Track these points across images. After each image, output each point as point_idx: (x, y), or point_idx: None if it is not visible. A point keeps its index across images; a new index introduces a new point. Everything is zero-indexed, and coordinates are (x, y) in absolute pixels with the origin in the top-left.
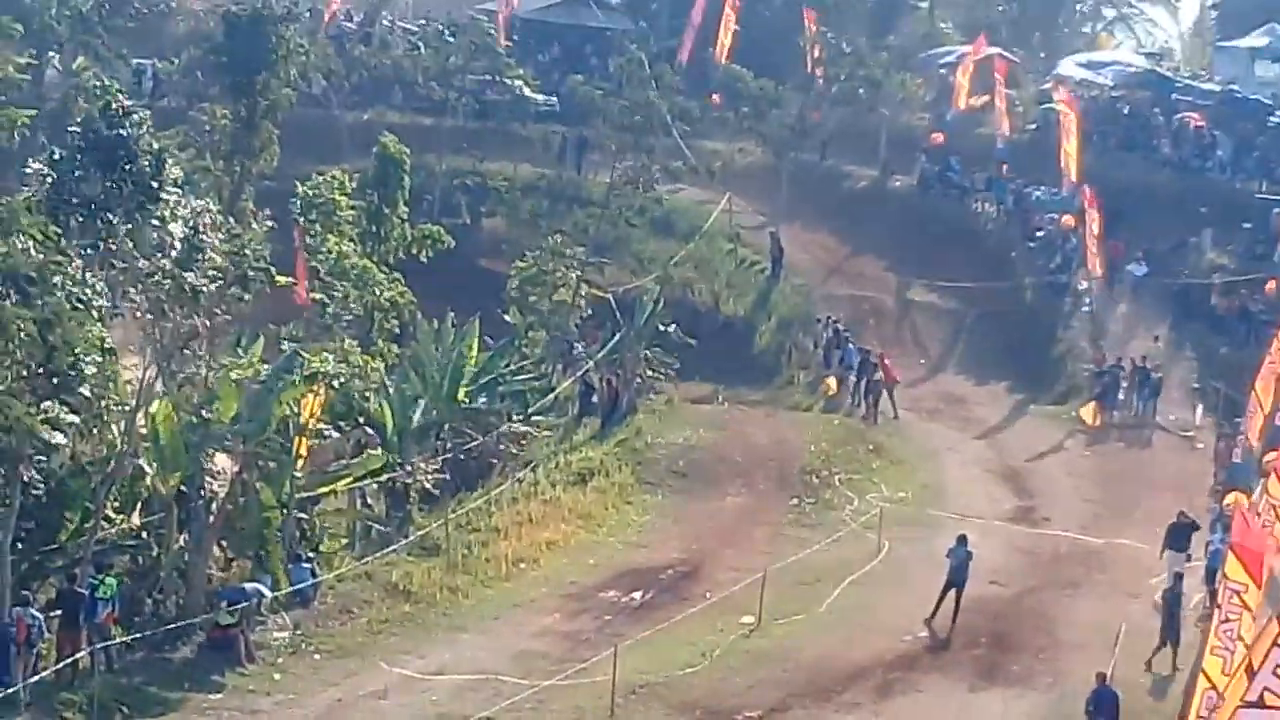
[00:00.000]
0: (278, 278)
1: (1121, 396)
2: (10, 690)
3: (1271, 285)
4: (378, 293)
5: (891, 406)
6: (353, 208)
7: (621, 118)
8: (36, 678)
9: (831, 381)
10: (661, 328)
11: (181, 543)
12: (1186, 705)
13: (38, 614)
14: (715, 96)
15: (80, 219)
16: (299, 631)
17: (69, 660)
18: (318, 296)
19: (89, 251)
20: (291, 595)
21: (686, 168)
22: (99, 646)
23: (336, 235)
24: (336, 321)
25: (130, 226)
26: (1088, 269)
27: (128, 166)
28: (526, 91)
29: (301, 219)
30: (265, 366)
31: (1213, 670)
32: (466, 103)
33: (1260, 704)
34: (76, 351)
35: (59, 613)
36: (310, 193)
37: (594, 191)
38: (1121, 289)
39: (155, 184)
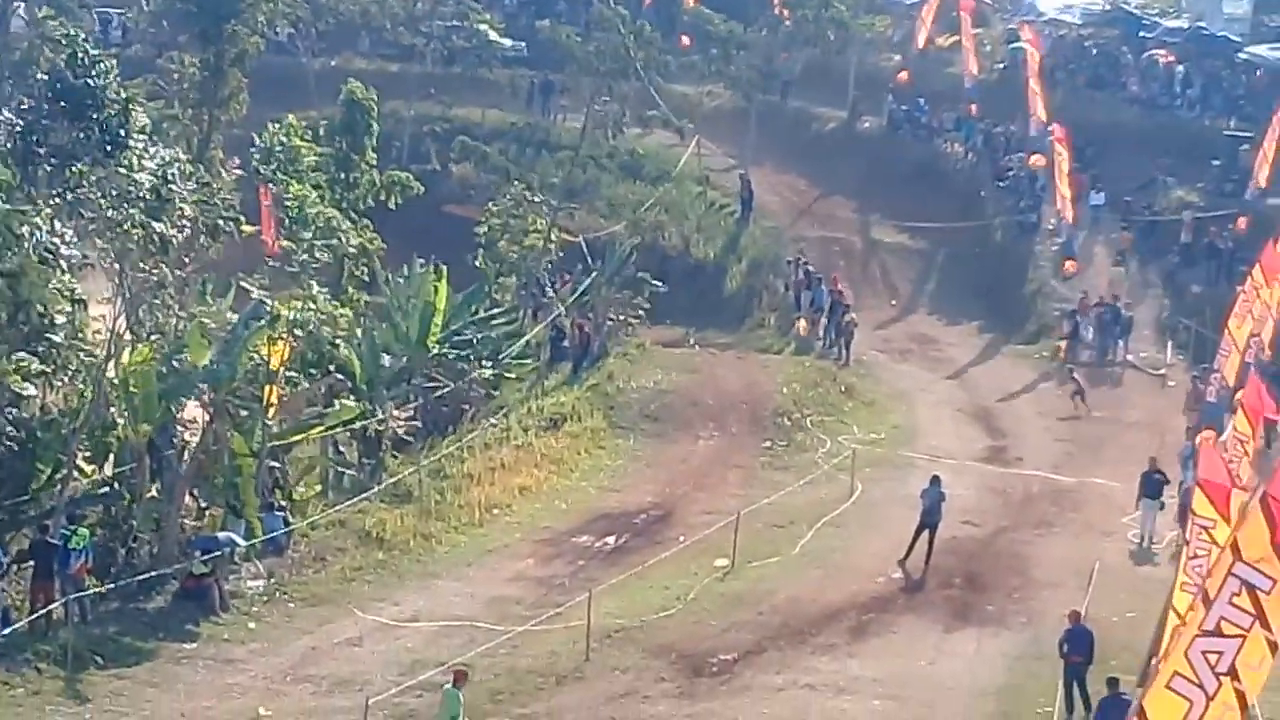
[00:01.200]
0: (246, 226)
1: (1091, 335)
2: None
3: (1241, 222)
4: (344, 239)
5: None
6: (320, 154)
7: (596, 62)
8: (10, 629)
9: (802, 323)
10: (632, 272)
11: (154, 492)
12: (1157, 640)
13: None
14: (684, 39)
15: (48, 168)
16: (273, 580)
17: (43, 611)
18: (285, 244)
19: (57, 201)
20: (265, 544)
21: (660, 117)
22: (73, 597)
23: (299, 182)
24: (304, 269)
25: (98, 176)
26: (1056, 207)
27: (95, 115)
28: (494, 36)
29: (262, 167)
30: (234, 315)
31: (1182, 605)
32: (434, 48)
33: (1217, 632)
34: (45, 302)
35: (31, 564)
36: (269, 140)
37: (563, 136)
38: (1087, 223)
39: (122, 132)
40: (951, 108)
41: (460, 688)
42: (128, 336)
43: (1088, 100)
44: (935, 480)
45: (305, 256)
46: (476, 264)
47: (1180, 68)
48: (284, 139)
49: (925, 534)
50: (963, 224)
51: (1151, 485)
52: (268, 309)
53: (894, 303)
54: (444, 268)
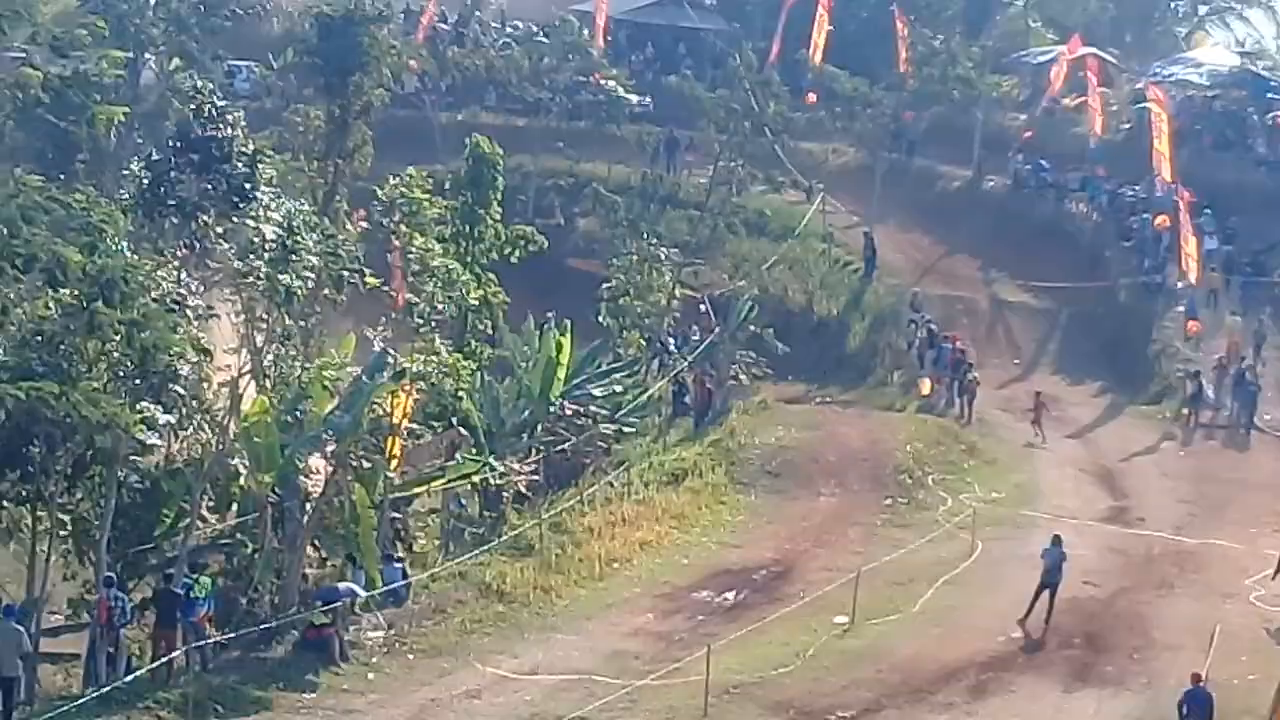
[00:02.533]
0: (370, 279)
1: (1212, 395)
2: (106, 689)
3: None
4: (465, 292)
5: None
6: (445, 208)
7: (728, 120)
8: (131, 677)
9: (926, 382)
10: (755, 330)
11: (276, 542)
12: (1277, 704)
13: (121, 594)
14: (810, 96)
15: (175, 220)
16: (393, 631)
17: (165, 660)
18: (408, 297)
19: (184, 252)
20: (385, 595)
21: (790, 180)
22: (194, 646)
23: (421, 234)
24: (426, 321)
25: (225, 227)
26: (1181, 269)
27: (222, 167)
28: (620, 91)
29: (384, 220)
30: (356, 367)
31: None
32: (560, 103)
33: None
34: (171, 351)
35: (154, 612)
36: (389, 193)
37: (689, 192)
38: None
39: (249, 184)
40: (1077, 167)
41: None
42: (252, 387)
43: (1214, 161)
44: (1056, 540)
45: (427, 309)
46: (600, 319)
47: None
48: (404, 191)
49: (1046, 593)
50: (1087, 284)
51: None
52: (390, 361)
53: (1017, 362)
54: (567, 322)
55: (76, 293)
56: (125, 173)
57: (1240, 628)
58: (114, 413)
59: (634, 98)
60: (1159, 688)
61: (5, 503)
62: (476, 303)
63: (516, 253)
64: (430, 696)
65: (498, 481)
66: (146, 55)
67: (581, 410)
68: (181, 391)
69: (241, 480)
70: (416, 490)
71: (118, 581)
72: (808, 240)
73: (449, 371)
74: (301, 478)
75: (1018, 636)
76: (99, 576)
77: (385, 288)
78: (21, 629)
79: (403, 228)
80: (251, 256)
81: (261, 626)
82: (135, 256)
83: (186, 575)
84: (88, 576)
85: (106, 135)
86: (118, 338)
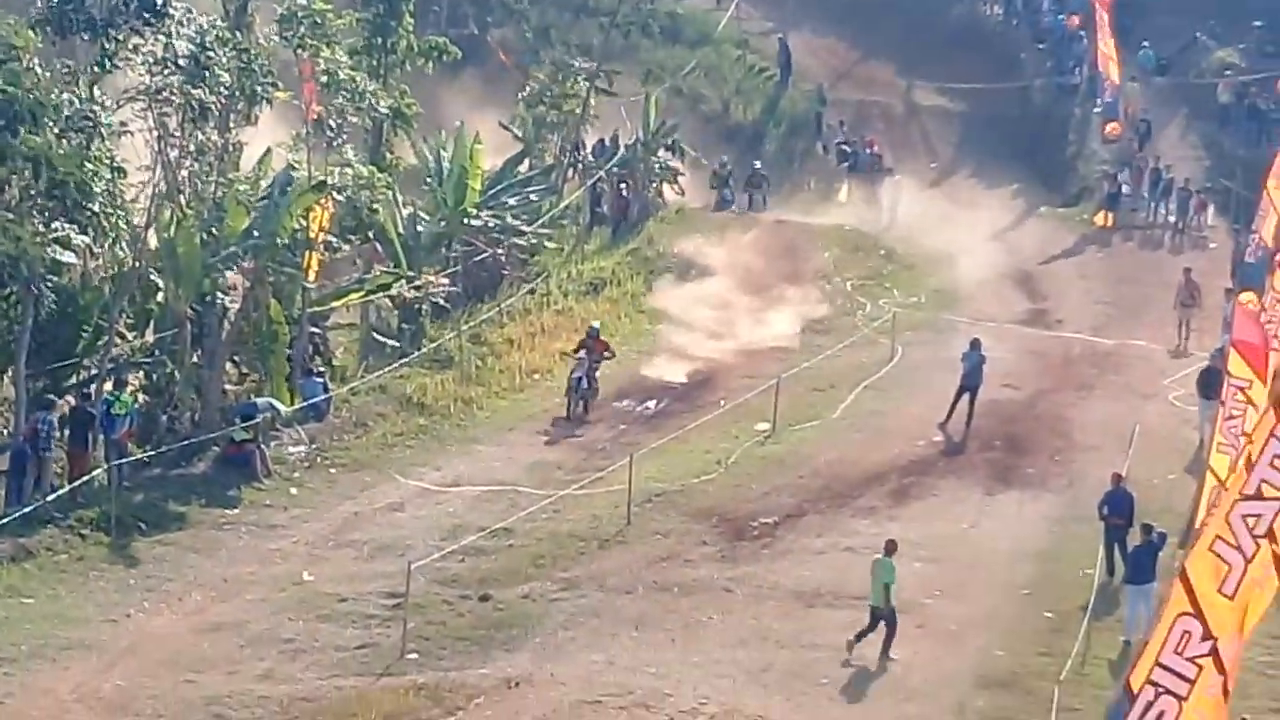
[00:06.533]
0: (280, 93)
1: (1129, 191)
2: (29, 509)
3: None
4: (375, 103)
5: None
6: (357, 19)
7: None
8: (54, 495)
9: (843, 188)
10: (670, 138)
11: (195, 359)
12: (1195, 502)
13: (49, 418)
14: None
15: (85, 37)
16: (314, 446)
17: (84, 479)
18: (318, 109)
19: (96, 69)
20: (306, 410)
21: None
22: (116, 464)
23: (328, 47)
24: (337, 134)
25: (136, 44)
26: (1098, 69)
27: None
28: None
29: (290, 34)
30: (269, 181)
31: (1219, 467)
32: None
33: (1258, 495)
34: (85, 169)
35: (69, 430)
36: (291, 6)
37: (602, 0)
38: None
39: (160, 1)
40: None
41: (892, 556)
42: (168, 204)
43: None
44: (975, 343)
45: (338, 121)
46: (515, 129)
47: None
48: (305, 2)
49: (966, 397)
50: (1002, 85)
51: (1209, 384)
52: (296, 174)
53: (934, 165)
54: (478, 130)
55: None
56: None
57: (1159, 427)
58: (25, 239)
59: None
60: (1080, 488)
61: None
62: (389, 114)
63: (431, 64)
64: (353, 510)
65: (415, 294)
66: None
67: (498, 221)
68: (95, 210)
69: (160, 297)
70: (334, 304)
71: (41, 401)
72: (722, 47)
73: (365, 183)
74: (219, 294)
75: (939, 440)
76: (18, 394)
77: (297, 101)
78: None
79: (308, 40)
80: (164, 72)
81: (182, 443)
82: (46, 75)
83: (107, 393)
84: (7, 394)
85: None
86: (28, 161)
